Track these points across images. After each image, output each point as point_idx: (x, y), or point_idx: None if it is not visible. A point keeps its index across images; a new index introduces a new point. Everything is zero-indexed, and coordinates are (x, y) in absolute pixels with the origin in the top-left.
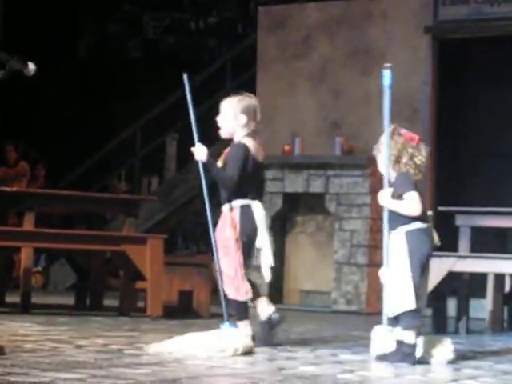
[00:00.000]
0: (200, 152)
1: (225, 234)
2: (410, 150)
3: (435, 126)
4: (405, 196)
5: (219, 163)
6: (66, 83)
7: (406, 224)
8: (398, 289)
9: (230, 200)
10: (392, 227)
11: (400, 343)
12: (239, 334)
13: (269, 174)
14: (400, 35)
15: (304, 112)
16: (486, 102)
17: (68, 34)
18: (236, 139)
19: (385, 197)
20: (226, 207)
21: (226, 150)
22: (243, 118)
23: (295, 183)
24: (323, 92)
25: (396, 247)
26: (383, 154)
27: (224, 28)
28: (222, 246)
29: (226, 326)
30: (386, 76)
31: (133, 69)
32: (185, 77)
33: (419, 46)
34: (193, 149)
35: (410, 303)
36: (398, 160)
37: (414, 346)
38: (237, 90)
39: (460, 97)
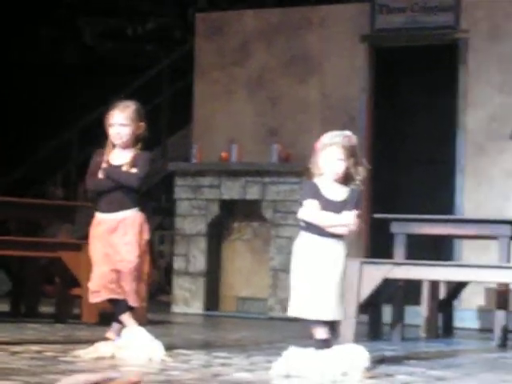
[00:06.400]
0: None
1: (145, 237)
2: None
3: (372, 134)
4: (354, 212)
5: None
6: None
7: (343, 237)
8: (337, 296)
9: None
10: (336, 236)
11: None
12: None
13: (206, 180)
14: (337, 43)
15: (241, 119)
16: (422, 110)
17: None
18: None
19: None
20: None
21: None
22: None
23: (232, 190)
24: (261, 99)
25: (339, 255)
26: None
27: (162, 34)
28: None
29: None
30: None
31: (69, 74)
32: None
33: (356, 54)
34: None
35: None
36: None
37: None
38: (174, 95)
39: (396, 105)
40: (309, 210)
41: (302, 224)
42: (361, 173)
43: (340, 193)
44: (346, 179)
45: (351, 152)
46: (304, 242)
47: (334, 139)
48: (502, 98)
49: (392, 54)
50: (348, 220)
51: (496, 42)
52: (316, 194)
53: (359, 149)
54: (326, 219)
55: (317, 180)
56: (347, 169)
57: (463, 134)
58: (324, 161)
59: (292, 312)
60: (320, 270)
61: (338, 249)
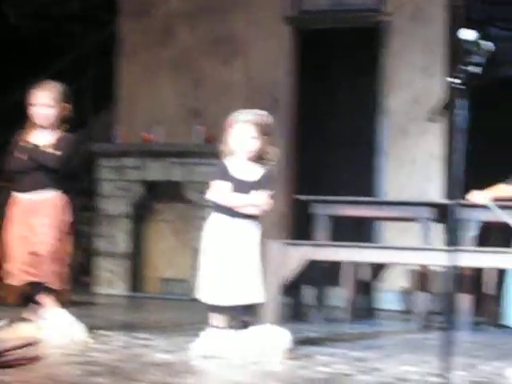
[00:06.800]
0: None
1: (67, 219)
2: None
3: (297, 116)
4: (265, 192)
5: None
6: None
7: (257, 218)
8: (257, 278)
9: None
10: (248, 216)
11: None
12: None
13: (129, 161)
14: (262, 25)
15: (165, 100)
16: (347, 92)
17: None
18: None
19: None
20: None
21: None
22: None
23: (155, 171)
24: (185, 80)
25: (251, 235)
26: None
27: (87, 14)
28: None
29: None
30: None
31: None
32: None
33: (281, 36)
34: None
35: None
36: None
37: None
38: (98, 76)
39: (323, 87)
40: (216, 191)
41: (213, 205)
42: (275, 152)
43: (252, 173)
44: (259, 158)
45: (265, 131)
46: (214, 222)
47: (246, 117)
48: (424, 80)
49: (317, 36)
50: (258, 200)
51: (419, 24)
52: (225, 174)
53: (273, 128)
54: (233, 200)
55: (228, 160)
56: (260, 148)
57: (386, 116)
58: (235, 138)
59: (199, 296)
60: (229, 252)
61: (250, 229)
